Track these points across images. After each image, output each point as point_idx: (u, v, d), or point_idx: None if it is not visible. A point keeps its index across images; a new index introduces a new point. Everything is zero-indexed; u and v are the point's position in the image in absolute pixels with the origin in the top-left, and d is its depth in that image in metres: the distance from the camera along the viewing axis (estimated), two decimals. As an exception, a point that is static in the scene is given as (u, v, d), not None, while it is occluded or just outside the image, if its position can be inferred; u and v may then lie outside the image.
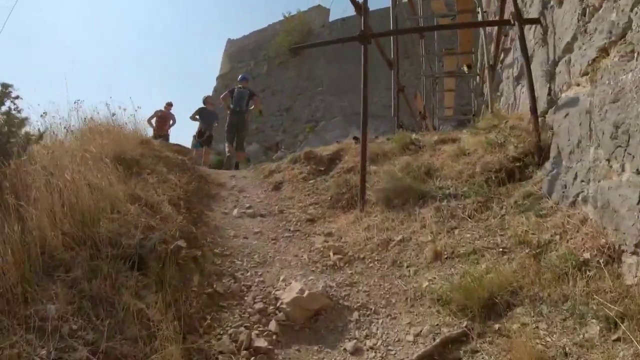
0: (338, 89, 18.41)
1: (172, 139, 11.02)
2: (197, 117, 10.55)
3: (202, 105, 10.75)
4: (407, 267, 3.45)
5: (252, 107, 10.00)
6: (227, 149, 10.10)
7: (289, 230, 4.65)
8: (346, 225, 4.40)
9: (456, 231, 3.59)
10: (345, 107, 17.93)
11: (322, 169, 6.26)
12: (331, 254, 3.86)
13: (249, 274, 3.69)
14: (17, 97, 3.36)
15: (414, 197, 4.18)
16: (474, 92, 13.00)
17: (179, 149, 6.67)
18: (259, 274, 3.70)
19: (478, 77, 11.37)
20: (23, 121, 3.50)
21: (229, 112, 9.68)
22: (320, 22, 20.86)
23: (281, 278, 3.53)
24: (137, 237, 3.05)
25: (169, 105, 11.25)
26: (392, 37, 8.88)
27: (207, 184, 6.15)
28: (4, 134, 3.20)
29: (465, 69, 12.90)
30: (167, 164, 5.46)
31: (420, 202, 4.14)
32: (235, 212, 5.16)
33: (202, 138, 10.38)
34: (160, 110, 11.04)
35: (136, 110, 6.40)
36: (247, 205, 5.44)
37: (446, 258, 3.31)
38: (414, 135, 6.22)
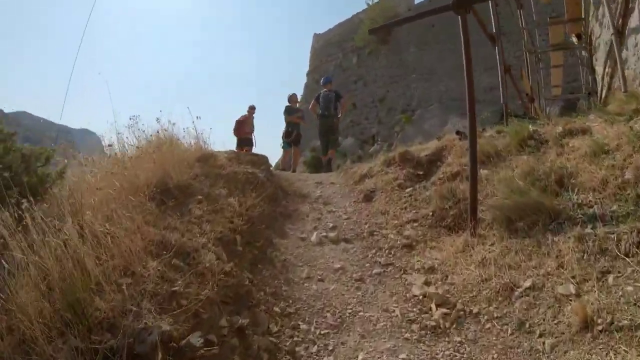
0: (432, 74, 17.23)
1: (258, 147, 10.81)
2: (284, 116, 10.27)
3: (287, 103, 10.39)
4: (540, 335, 2.48)
5: (340, 114, 9.83)
6: (323, 159, 10.07)
7: (380, 263, 3.82)
8: (453, 256, 3.51)
9: (610, 278, 2.49)
10: (441, 93, 16.70)
11: (421, 173, 5.38)
12: (433, 306, 3.01)
13: (315, 348, 2.76)
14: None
15: (544, 219, 3.15)
16: (585, 66, 11.09)
17: (252, 159, 6.01)
18: (330, 347, 2.78)
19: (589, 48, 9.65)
20: (48, 155, 3.13)
21: (318, 118, 9.46)
22: (405, 6, 19.69)
23: (360, 358, 2.65)
24: (135, 325, 2.18)
25: (252, 108, 10.86)
26: (491, 7, 7.68)
27: (285, 197, 5.51)
28: (19, 172, 2.85)
29: (575, 39, 11.07)
30: (231, 183, 4.76)
31: (553, 226, 3.08)
32: (314, 236, 4.40)
33: (290, 138, 10.05)
34: (243, 116, 10.74)
35: (194, 122, 5.97)
36: (331, 225, 4.68)
37: (601, 331, 2.23)
38: (531, 127, 4.98)
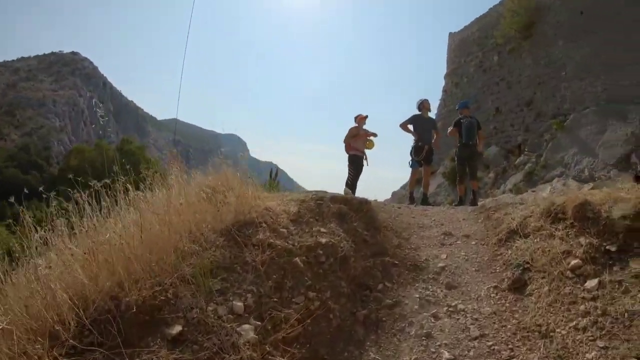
0: (587, 71, 15.28)
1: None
2: (410, 126, 8.95)
3: (416, 112, 9.13)
4: None
5: (480, 145, 9.10)
6: (458, 190, 9.27)
7: None
8: None
9: None
10: (598, 94, 14.75)
11: (613, 250, 3.27)
12: None
13: None
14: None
15: None
16: None
17: (341, 210, 4.32)
18: None
19: None
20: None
21: (458, 146, 9.03)
22: (550, -11, 17.69)
23: None
24: None
25: (361, 118, 9.27)
26: None
27: (387, 271, 3.87)
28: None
29: None
30: (276, 273, 3.17)
31: None
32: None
33: (421, 155, 8.79)
34: (356, 128, 9.24)
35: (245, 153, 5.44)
36: (448, 353, 2.88)
37: None
38: None
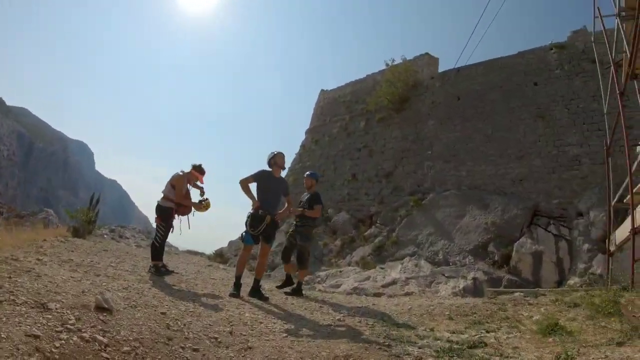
0: (453, 155, 15.10)
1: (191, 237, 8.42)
2: (253, 186, 6.43)
3: (266, 167, 6.66)
4: None
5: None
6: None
7: None
8: None
9: None
10: (461, 179, 14.49)
11: None
12: None
13: None
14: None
15: None
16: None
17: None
18: None
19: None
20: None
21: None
22: (428, 72, 18.01)
23: None
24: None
25: (195, 171, 7.60)
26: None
27: None
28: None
29: None
30: None
31: None
32: None
33: (259, 228, 6.16)
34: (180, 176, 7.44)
35: None
36: None
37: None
38: None
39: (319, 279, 12.47)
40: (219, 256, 19.02)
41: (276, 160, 6.59)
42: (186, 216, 7.58)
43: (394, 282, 11.00)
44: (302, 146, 22.80)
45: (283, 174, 7.25)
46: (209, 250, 21.88)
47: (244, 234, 6.29)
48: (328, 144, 21.06)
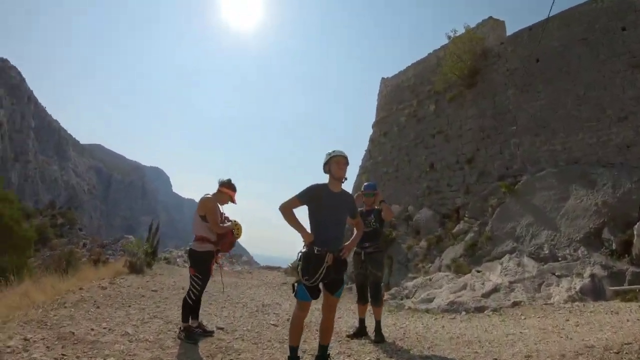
0: (541, 126, 13.22)
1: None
2: (302, 210, 4.35)
3: (320, 180, 4.65)
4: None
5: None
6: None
7: None
8: None
9: None
10: (556, 154, 12.61)
11: None
12: None
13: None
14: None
15: None
16: None
17: None
18: None
19: None
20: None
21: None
22: (495, 38, 16.05)
23: None
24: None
25: (225, 189, 5.75)
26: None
27: None
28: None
29: None
30: None
31: None
32: None
33: (318, 274, 4.11)
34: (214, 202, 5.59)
35: None
36: None
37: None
38: None
39: (406, 291, 11.41)
40: (296, 269, 18.50)
41: (338, 164, 4.37)
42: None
43: (495, 289, 9.64)
44: (371, 140, 21.71)
45: (351, 177, 5.62)
46: (293, 255, 21.46)
47: (296, 285, 4.23)
48: (398, 135, 19.78)
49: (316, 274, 4.13)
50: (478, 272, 10.93)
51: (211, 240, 5.48)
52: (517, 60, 14.61)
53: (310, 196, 4.30)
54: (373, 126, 21.83)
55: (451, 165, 16.34)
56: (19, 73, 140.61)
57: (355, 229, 4.73)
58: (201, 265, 5.44)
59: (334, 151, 4.44)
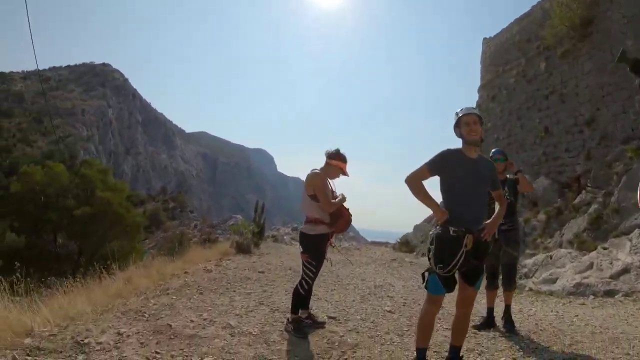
0: (674, 79, 11.71)
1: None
2: (443, 176, 3.63)
3: (452, 144, 4.14)
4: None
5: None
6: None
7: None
8: None
9: None
10: (695, 110, 11.16)
11: None
12: None
13: None
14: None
15: None
16: None
17: None
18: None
19: None
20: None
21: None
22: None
23: None
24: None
25: (334, 160, 5.05)
26: None
27: None
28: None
29: None
30: None
31: None
32: None
33: (456, 261, 3.38)
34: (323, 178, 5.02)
35: None
36: None
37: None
38: None
39: (526, 269, 11.17)
40: (404, 244, 18.77)
41: (462, 130, 3.61)
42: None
43: (625, 270, 8.97)
44: (478, 106, 20.82)
45: None
46: (401, 231, 21.64)
47: (427, 275, 3.54)
48: (507, 98, 18.76)
49: (453, 260, 3.41)
50: (604, 249, 10.29)
51: (325, 221, 4.93)
52: (635, 4, 12.97)
53: (443, 164, 3.62)
54: (479, 90, 20.90)
55: (569, 128, 15.19)
56: (121, 74, 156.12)
57: (498, 204, 3.97)
58: (314, 250, 4.90)
59: (461, 109, 3.72)
